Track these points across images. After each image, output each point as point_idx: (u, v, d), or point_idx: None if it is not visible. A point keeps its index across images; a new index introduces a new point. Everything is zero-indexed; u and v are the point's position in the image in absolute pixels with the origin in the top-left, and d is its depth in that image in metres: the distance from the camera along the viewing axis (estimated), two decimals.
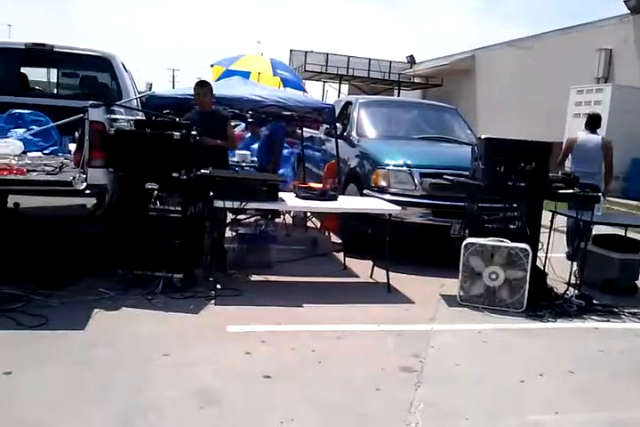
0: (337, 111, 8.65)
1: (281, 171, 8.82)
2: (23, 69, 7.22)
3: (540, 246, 5.58)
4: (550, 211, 6.06)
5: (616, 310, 5.30)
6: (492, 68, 22.24)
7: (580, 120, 14.34)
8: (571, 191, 5.63)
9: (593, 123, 7.72)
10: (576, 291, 5.52)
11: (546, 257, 5.64)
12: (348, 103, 8.89)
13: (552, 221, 6.06)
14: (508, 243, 5.21)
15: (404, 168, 6.60)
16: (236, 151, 8.68)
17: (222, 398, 3.22)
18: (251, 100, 6.57)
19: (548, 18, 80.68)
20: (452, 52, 25.76)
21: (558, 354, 4.26)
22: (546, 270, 5.60)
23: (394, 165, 6.66)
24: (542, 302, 5.19)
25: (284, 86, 10.33)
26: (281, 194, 5.51)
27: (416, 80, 27.50)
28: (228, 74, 9.64)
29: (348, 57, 26.04)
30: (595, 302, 5.37)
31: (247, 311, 4.62)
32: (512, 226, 5.66)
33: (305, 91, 11.36)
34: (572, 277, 5.80)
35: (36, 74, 7.88)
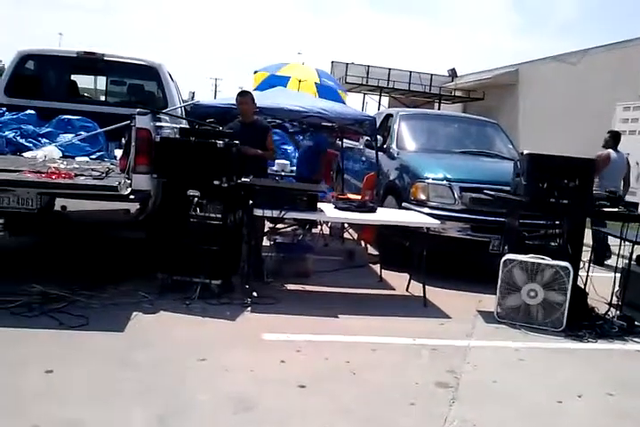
0: (377, 123, 8.70)
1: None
2: (74, 77, 7.45)
3: (581, 265, 5.49)
4: (593, 229, 5.95)
5: None
6: (537, 83, 21.97)
7: (625, 137, 14.11)
8: (615, 210, 5.54)
9: (618, 140, 8.36)
10: (618, 312, 5.40)
11: (587, 276, 5.54)
12: (389, 116, 8.90)
13: (593, 240, 5.95)
14: (548, 260, 5.13)
15: (444, 182, 6.57)
16: (276, 161, 8.78)
17: (257, 404, 3.24)
18: (292, 110, 6.63)
19: (593, 34, 79.63)
20: (494, 66, 25.59)
21: (597, 376, 4.17)
22: (587, 290, 5.50)
23: (433, 179, 6.63)
24: (582, 322, 5.08)
25: (319, 96, 10.37)
26: (320, 204, 5.54)
27: (457, 93, 27.33)
28: (270, 79, 9.76)
29: (389, 69, 26.04)
30: (637, 323, 5.24)
31: (283, 320, 4.64)
32: (553, 243, 5.57)
33: (343, 101, 11.41)
34: (614, 297, 5.68)
35: (85, 81, 8.11)
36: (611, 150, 8.20)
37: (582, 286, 5.46)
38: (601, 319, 5.22)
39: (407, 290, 5.81)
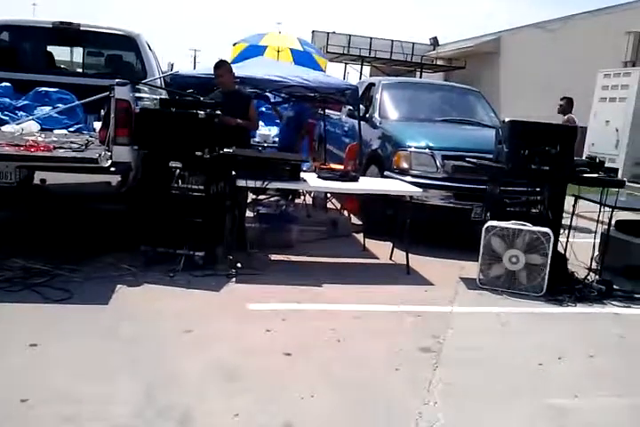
0: (360, 93, 8.63)
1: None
2: (50, 48, 7.28)
3: (561, 231, 5.56)
4: (574, 195, 6.00)
5: (637, 295, 5.26)
6: (518, 51, 21.90)
7: (606, 104, 14.17)
8: (595, 176, 5.58)
9: (572, 105, 9.04)
10: (597, 276, 5.50)
11: (567, 242, 5.62)
12: (371, 85, 8.83)
13: (574, 206, 6.00)
14: (529, 227, 5.18)
15: (426, 150, 6.57)
16: (258, 131, 8.72)
17: (243, 373, 3.28)
18: (274, 80, 6.56)
19: (577, 1, 78.96)
20: (476, 34, 25.42)
21: (577, 338, 4.26)
22: (567, 255, 5.58)
23: (416, 147, 6.63)
24: (562, 287, 5.17)
25: (295, 62, 10.22)
26: (302, 174, 5.53)
27: (439, 62, 27.21)
28: (247, 50, 9.64)
29: (371, 38, 25.84)
30: (615, 287, 5.34)
31: (268, 290, 4.67)
32: (534, 210, 5.62)
33: (322, 69, 11.31)
34: (594, 262, 5.78)
35: (62, 53, 7.94)
36: (573, 115, 8.68)
37: (562, 252, 5.54)
38: (580, 284, 5.31)
39: (391, 258, 5.85)
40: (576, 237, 5.86)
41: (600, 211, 5.62)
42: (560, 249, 5.52)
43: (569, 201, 5.86)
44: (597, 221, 5.68)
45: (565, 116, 8.87)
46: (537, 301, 4.95)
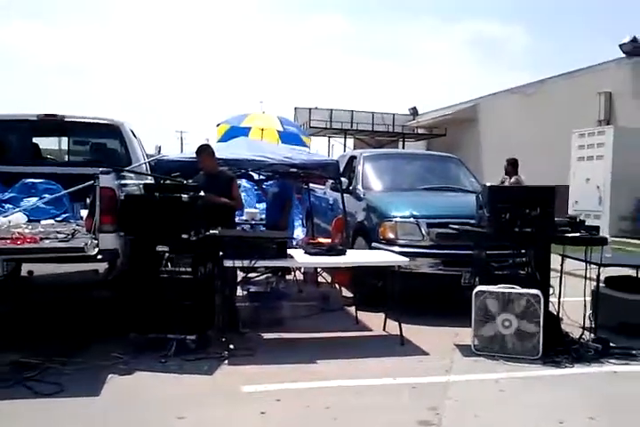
0: (342, 166, 8.83)
1: (297, 225, 8.93)
2: (36, 139, 7.48)
3: (551, 291, 5.57)
4: (560, 254, 6.05)
5: (634, 352, 5.21)
6: (496, 116, 22.59)
7: (584, 163, 14.53)
8: (577, 235, 5.66)
9: (517, 166, 9.69)
10: (592, 334, 5.47)
11: (559, 302, 5.61)
12: (353, 157, 9.06)
13: (562, 265, 6.04)
14: (518, 289, 5.20)
15: (411, 219, 6.67)
16: (245, 210, 8.83)
17: None
18: (255, 160, 6.73)
19: (550, 64, 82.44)
20: (455, 102, 26.28)
21: (577, 400, 4.19)
22: (560, 315, 5.57)
23: (401, 217, 6.73)
24: (558, 348, 5.12)
25: (282, 141, 10.58)
26: (290, 251, 5.57)
27: (420, 131, 27.95)
28: (233, 131, 9.93)
29: (352, 111, 26.63)
30: (612, 344, 5.30)
31: (261, 370, 4.61)
32: (522, 272, 5.65)
33: (306, 145, 11.69)
34: (587, 320, 5.75)
35: (48, 142, 8.14)
36: (519, 176, 9.12)
37: (555, 312, 5.53)
38: (576, 344, 5.27)
39: (384, 329, 5.81)
40: (567, 297, 5.85)
41: (586, 269, 5.65)
42: (552, 309, 5.51)
43: (557, 260, 5.90)
44: (585, 279, 5.71)
45: (512, 179, 9.21)
46: (534, 364, 4.89)
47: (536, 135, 19.17)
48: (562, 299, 5.66)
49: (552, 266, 5.71)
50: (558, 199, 5.87)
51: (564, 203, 13.93)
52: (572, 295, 6.26)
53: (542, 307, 5.11)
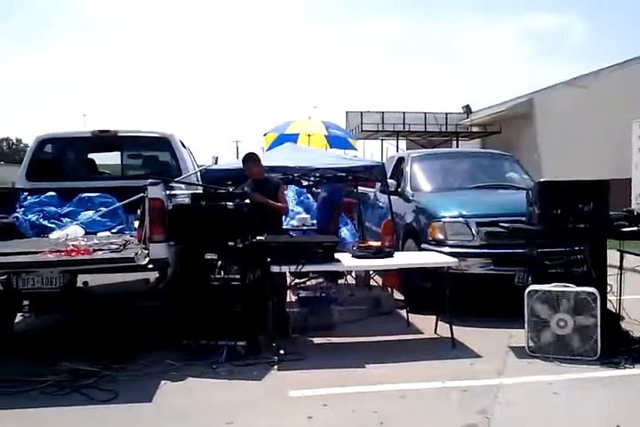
0: (391, 167, 8.80)
1: (344, 230, 8.92)
2: (91, 155, 7.76)
3: (609, 289, 5.37)
4: (618, 250, 5.83)
5: None
6: (552, 110, 21.98)
7: None
8: (635, 229, 5.44)
9: None
10: None
11: (619, 299, 5.41)
12: (401, 159, 8.99)
13: (621, 261, 5.81)
14: (573, 288, 5.04)
15: (460, 219, 6.57)
16: (297, 215, 8.89)
17: None
18: (300, 167, 6.78)
19: (607, 54, 79.79)
20: (509, 97, 25.71)
21: (637, 403, 4.02)
22: (620, 313, 5.37)
23: (450, 217, 6.64)
24: (618, 348, 4.93)
25: (330, 146, 10.61)
26: (338, 254, 5.57)
27: (474, 129, 27.48)
28: (280, 139, 10.03)
29: (404, 113, 26.41)
30: None
31: (310, 375, 4.62)
32: (577, 269, 5.48)
33: (354, 148, 11.72)
34: None
35: (104, 157, 8.41)
36: None
37: (614, 310, 5.34)
38: (637, 343, 5.06)
39: (435, 332, 5.73)
40: (626, 294, 5.63)
41: None
42: (611, 307, 5.32)
43: (616, 256, 5.69)
44: None
45: None
46: (591, 365, 4.72)
47: (595, 127, 18.56)
48: (621, 297, 5.46)
49: (610, 262, 5.50)
50: (621, 193, 5.68)
51: (628, 196, 13.42)
52: (633, 293, 6.05)
53: (599, 305, 4.94)
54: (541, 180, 6.04)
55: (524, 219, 5.72)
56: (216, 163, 7.37)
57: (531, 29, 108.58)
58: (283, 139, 9.92)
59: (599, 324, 4.90)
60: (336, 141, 10.81)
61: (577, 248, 5.47)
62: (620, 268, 5.75)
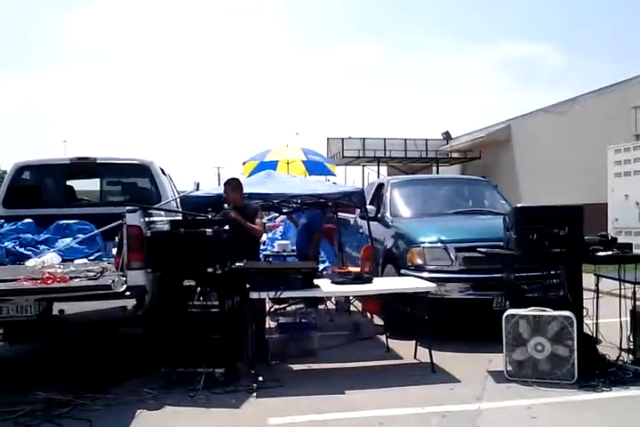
0: (371, 193, 8.87)
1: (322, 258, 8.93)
2: (70, 182, 7.73)
3: (585, 312, 5.43)
4: (594, 274, 5.90)
5: None
6: (530, 136, 22.33)
7: (622, 179, 14.21)
8: (610, 253, 5.52)
9: None
10: (631, 356, 5.29)
11: (595, 323, 5.46)
12: (381, 185, 9.06)
13: (597, 285, 5.88)
14: (550, 312, 5.08)
15: (439, 244, 6.62)
16: (277, 242, 8.91)
17: None
18: (280, 194, 6.83)
19: (583, 81, 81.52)
20: (487, 124, 26.12)
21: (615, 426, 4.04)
22: (596, 337, 5.41)
23: (429, 242, 6.69)
24: (595, 371, 4.96)
25: (309, 173, 10.73)
26: (317, 280, 5.58)
27: (454, 155, 27.80)
28: (260, 166, 10.11)
29: (384, 139, 26.68)
30: None
31: (289, 402, 4.59)
32: (553, 294, 5.53)
33: (333, 173, 11.88)
34: (626, 341, 5.57)
35: (82, 184, 8.38)
36: None
37: (590, 334, 5.38)
38: (614, 366, 5.10)
39: (415, 357, 5.72)
40: (603, 318, 5.68)
41: (621, 288, 5.50)
42: (587, 331, 5.37)
43: (592, 280, 5.75)
44: (620, 299, 5.55)
45: None
46: (569, 389, 4.74)
47: (571, 153, 18.86)
48: (597, 320, 5.51)
49: (586, 286, 5.57)
50: (598, 217, 5.77)
51: (604, 221, 13.61)
52: (609, 316, 6.10)
53: (576, 329, 4.98)
54: (518, 205, 6.13)
55: (501, 244, 5.79)
56: (197, 189, 7.39)
57: (508, 57, 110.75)
58: (262, 166, 9.99)
59: (576, 347, 4.93)
60: (314, 167, 10.93)
61: (553, 272, 5.53)
62: (597, 291, 5.82)
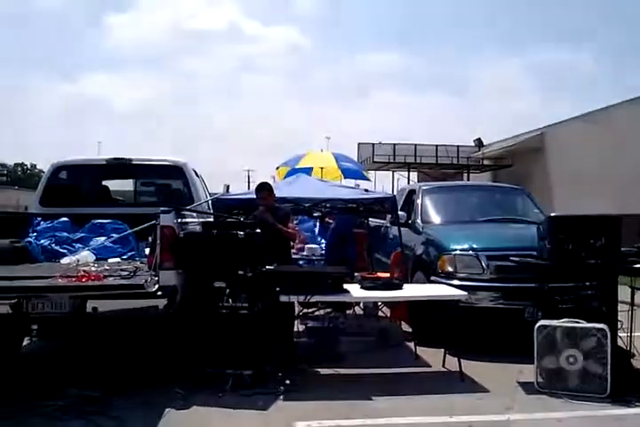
0: (402, 199, 8.82)
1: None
2: (105, 182, 7.86)
3: (620, 325, 5.32)
4: (629, 286, 5.79)
5: None
6: (564, 145, 22.06)
7: None
8: None
9: None
10: None
11: (630, 336, 5.36)
12: (412, 191, 9.02)
13: (632, 298, 5.77)
14: (583, 323, 5.00)
15: (471, 252, 6.56)
16: (306, 246, 8.92)
17: None
18: (310, 198, 6.85)
19: (619, 89, 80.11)
20: (521, 131, 25.84)
21: None
22: (630, 351, 5.30)
23: (460, 250, 6.63)
24: (628, 386, 4.86)
25: (345, 177, 10.73)
26: (346, 285, 5.57)
27: (485, 162, 27.57)
28: (293, 173, 10.14)
29: (415, 145, 26.61)
30: None
31: (315, 406, 4.58)
32: (587, 305, 5.43)
33: (367, 179, 11.86)
34: None
35: (117, 184, 8.52)
36: None
37: (624, 347, 5.28)
38: None
39: (443, 366, 5.68)
40: (637, 331, 5.58)
41: None
42: (621, 344, 5.26)
43: (627, 292, 5.64)
44: None
45: None
46: (601, 402, 4.65)
47: (605, 163, 18.58)
48: (632, 333, 5.41)
49: (621, 298, 5.46)
50: (630, 229, 5.67)
51: (636, 233, 13.34)
52: None
53: (610, 342, 4.89)
54: (552, 214, 6.06)
55: (534, 253, 5.72)
56: (227, 191, 7.43)
57: (542, 63, 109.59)
58: (296, 172, 10.02)
59: (609, 361, 4.84)
60: (350, 173, 10.96)
61: (588, 284, 5.43)
62: (632, 304, 5.72)
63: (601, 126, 19.74)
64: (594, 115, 20.78)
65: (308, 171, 10.33)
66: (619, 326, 5.29)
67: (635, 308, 5.65)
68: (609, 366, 4.82)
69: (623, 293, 5.54)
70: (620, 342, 5.24)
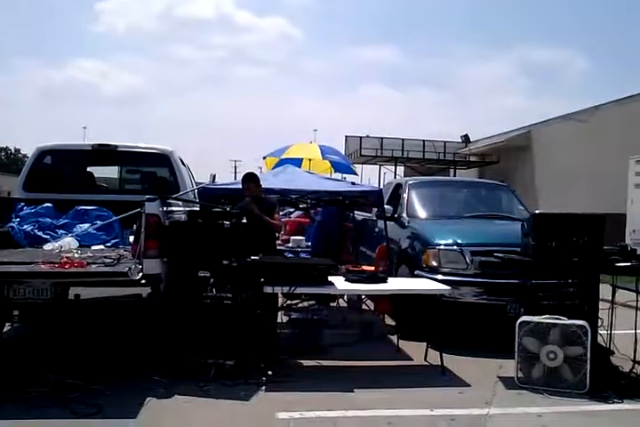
0: (388, 193, 8.82)
1: None
2: (90, 168, 7.77)
3: (600, 323, 5.37)
4: (611, 285, 5.84)
5: None
6: (550, 143, 22.19)
7: None
8: (628, 264, 5.46)
9: None
10: None
11: (609, 334, 5.41)
12: (399, 185, 9.03)
13: (613, 296, 5.82)
14: (564, 320, 5.04)
15: (455, 247, 6.58)
16: (291, 237, 8.92)
17: None
18: (297, 190, 6.83)
19: (608, 89, 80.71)
20: (507, 129, 25.99)
21: None
22: (610, 348, 5.36)
23: (444, 245, 6.65)
24: (607, 382, 4.92)
25: (335, 170, 10.73)
26: (331, 278, 5.57)
27: (472, 159, 27.69)
28: (282, 163, 10.11)
29: (402, 140, 26.64)
30: None
31: (297, 397, 4.58)
32: (569, 302, 5.48)
33: (355, 173, 11.85)
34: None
35: (102, 171, 8.43)
36: None
37: (604, 345, 5.33)
38: (626, 378, 5.05)
39: (425, 359, 5.70)
40: (618, 329, 5.63)
41: (638, 300, 5.43)
42: (601, 342, 5.32)
43: (608, 290, 5.69)
44: (637, 311, 5.48)
45: None
46: (580, 398, 4.70)
47: (591, 162, 18.74)
48: (612, 331, 5.46)
49: (602, 296, 5.51)
50: (615, 228, 5.72)
51: (622, 232, 13.47)
52: (624, 328, 6.03)
53: (590, 339, 4.94)
54: (537, 211, 6.09)
55: (518, 250, 5.74)
56: (214, 181, 7.38)
57: (531, 62, 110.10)
58: (285, 163, 10.00)
59: (589, 357, 4.89)
60: (340, 167, 10.96)
61: (570, 281, 5.49)
62: (612, 302, 5.76)
63: (587, 126, 19.89)
64: (580, 114, 20.92)
65: (298, 162, 10.31)
66: (599, 324, 5.34)
67: (615, 306, 5.70)
68: (588, 363, 4.86)
69: (605, 291, 5.58)
70: (600, 340, 5.29)
